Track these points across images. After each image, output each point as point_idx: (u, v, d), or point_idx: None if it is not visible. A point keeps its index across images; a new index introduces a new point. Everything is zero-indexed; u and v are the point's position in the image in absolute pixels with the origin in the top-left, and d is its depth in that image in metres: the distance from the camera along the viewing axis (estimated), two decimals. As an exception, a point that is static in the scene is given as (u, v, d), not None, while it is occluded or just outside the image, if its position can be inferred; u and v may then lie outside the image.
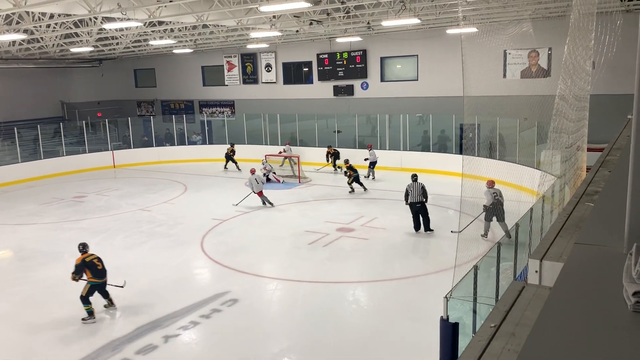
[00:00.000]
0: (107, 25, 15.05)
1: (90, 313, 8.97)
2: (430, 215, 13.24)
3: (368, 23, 17.90)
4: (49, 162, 23.27)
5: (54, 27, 16.68)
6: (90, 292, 9.05)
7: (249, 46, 24.71)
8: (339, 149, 21.93)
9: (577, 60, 6.40)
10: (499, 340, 1.52)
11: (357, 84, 24.14)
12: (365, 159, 20.15)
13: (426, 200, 13.10)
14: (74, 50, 21.69)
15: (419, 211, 13.08)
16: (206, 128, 28.01)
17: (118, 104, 31.20)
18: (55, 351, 8.08)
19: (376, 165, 20.23)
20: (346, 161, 18.54)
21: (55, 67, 28.18)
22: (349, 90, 24.32)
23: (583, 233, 1.92)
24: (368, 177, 19.87)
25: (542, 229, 7.99)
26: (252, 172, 16.84)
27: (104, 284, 9.28)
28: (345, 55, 24.07)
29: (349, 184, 18.09)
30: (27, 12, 13.85)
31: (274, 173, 20.56)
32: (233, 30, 18.85)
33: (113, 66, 30.36)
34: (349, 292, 10.08)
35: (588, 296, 1.26)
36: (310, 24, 17.10)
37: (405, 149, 21.78)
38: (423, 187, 13.09)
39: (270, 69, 26.53)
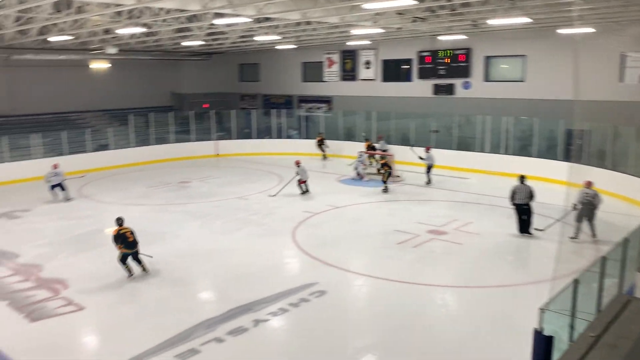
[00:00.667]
0: (217, 21, 15.81)
1: (128, 271, 10.60)
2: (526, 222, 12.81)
3: (474, 21, 17.34)
4: (158, 148, 24.95)
5: (170, 22, 17.79)
6: (123, 258, 10.57)
7: (349, 43, 24.86)
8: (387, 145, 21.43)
9: None
10: (599, 350, 1.45)
11: (458, 83, 23.49)
12: (421, 158, 19.36)
13: (530, 202, 12.89)
14: (185, 43, 23.00)
15: (524, 213, 12.87)
16: (303, 123, 28.60)
17: (223, 96, 32.69)
18: (153, 325, 8.67)
19: (432, 167, 19.29)
20: (382, 157, 18.71)
21: (167, 59, 30.07)
22: (450, 89, 23.74)
23: None
24: (429, 182, 19.12)
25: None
26: (297, 163, 17.80)
27: (136, 253, 10.67)
28: (448, 53, 23.50)
29: (384, 181, 18.08)
30: (147, 8, 14.89)
31: (364, 168, 20.61)
32: (335, 27, 19.04)
33: (220, 60, 31.83)
34: (438, 296, 9.89)
35: None
36: (414, 21, 16.86)
37: (506, 152, 20.89)
38: (531, 189, 12.87)
39: (369, 65, 26.53)
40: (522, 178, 13.19)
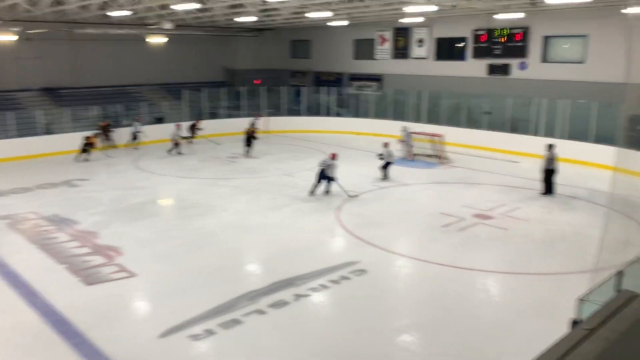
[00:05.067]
0: (270, -2, 15.90)
1: None
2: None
3: (533, -1, 16.71)
4: (210, 122, 25.49)
5: (224, -2, 18.03)
6: None
7: (402, 20, 24.44)
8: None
9: None
10: (592, 343, 1.49)
11: (514, 63, 22.77)
12: (380, 156, 17.05)
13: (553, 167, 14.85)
14: (238, 19, 23.25)
15: (549, 177, 14.97)
16: (354, 101, 28.49)
17: (274, 72, 32.93)
18: (200, 294, 9.06)
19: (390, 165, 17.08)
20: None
21: (221, 35, 30.51)
22: (505, 70, 23.05)
23: None
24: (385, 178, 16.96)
25: None
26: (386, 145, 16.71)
27: None
28: (505, 32, 22.75)
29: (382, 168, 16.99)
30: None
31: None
32: (388, 4, 18.78)
33: (272, 36, 32.01)
34: (479, 281, 9.84)
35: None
36: (469, -1, 16.42)
37: (561, 137, 20.19)
38: (553, 157, 14.91)
39: (422, 44, 26.05)
40: (550, 146, 15.23)
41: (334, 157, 15.15)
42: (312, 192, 15.01)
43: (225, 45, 31.91)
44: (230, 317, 8.18)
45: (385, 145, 17.05)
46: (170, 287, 9.39)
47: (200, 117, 24.83)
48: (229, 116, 26.79)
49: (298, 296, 8.89)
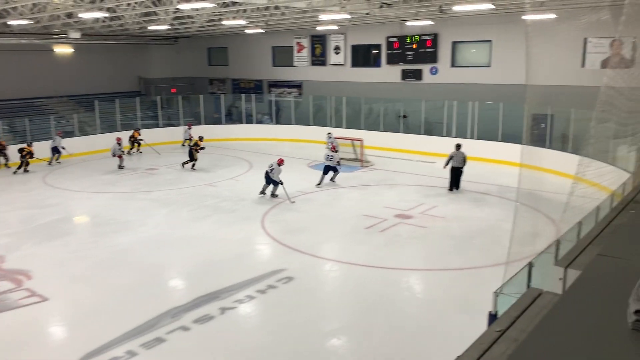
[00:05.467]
0: (183, 6, 15.57)
1: None
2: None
3: (440, 7, 17.47)
4: (126, 134, 24.49)
5: (134, 6, 17.42)
6: None
7: (319, 28, 24.77)
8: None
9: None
10: (501, 345, 1.55)
11: (426, 68, 23.68)
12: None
13: (464, 166, 15.95)
14: (151, 27, 22.57)
15: (458, 174, 15.93)
16: (274, 108, 28.48)
17: (191, 81, 32.25)
18: (119, 314, 8.65)
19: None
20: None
21: (134, 43, 29.46)
22: (418, 75, 23.91)
23: (610, 243, 1.89)
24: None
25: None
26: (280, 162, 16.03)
27: None
28: (416, 39, 23.62)
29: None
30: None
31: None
32: (303, 12, 18.95)
33: (188, 44, 31.35)
34: (403, 280, 10.10)
35: (593, 309, 1.28)
36: (381, 6, 16.90)
37: (472, 137, 21.23)
38: (464, 156, 15.92)
39: (338, 51, 26.50)
40: (458, 146, 16.04)
41: (280, 162, 15.58)
42: (262, 192, 15.74)
43: (139, 54, 30.84)
44: (153, 336, 7.85)
45: (334, 150, 17.46)
46: (87, 309, 8.88)
47: (136, 127, 23.98)
48: (145, 127, 25.84)
49: (224, 309, 8.70)
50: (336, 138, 21.01)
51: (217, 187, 17.18)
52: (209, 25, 23.52)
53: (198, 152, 19.86)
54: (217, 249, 11.62)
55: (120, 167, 20.28)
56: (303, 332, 8.11)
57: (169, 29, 24.11)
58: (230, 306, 8.80)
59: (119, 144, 20.77)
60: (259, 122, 27.87)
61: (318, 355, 7.50)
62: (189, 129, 23.69)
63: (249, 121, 27.65)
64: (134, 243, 12.04)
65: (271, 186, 15.62)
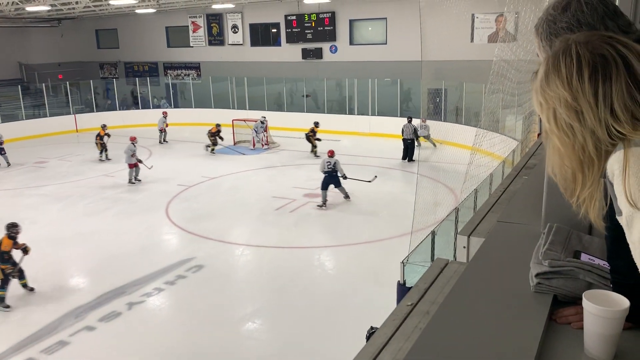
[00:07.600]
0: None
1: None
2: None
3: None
4: (7, 126, 22.43)
5: (7, -16, 15.90)
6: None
7: (214, 6, 24.01)
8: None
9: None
10: (413, 319, 1.56)
11: (326, 47, 23.82)
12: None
13: (417, 139, 17.07)
14: (30, 9, 20.73)
15: (409, 146, 16.96)
16: (171, 91, 27.39)
17: (80, 65, 30.10)
18: (15, 321, 7.99)
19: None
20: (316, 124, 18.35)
21: (11, 26, 26.91)
22: (318, 54, 24.00)
23: (507, 210, 1.96)
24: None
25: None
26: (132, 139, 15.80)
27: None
28: (313, 17, 23.62)
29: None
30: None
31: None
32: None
33: (73, 26, 29.17)
34: (315, 257, 10.21)
35: (498, 275, 1.30)
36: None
37: (373, 113, 21.76)
38: (415, 128, 17.09)
39: (236, 30, 25.91)
40: (409, 118, 17.40)
41: (331, 154, 13.11)
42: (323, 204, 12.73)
43: (18, 38, 28.16)
44: (55, 339, 7.34)
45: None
46: (-25, 320, 8.11)
47: (102, 125, 21.32)
48: (29, 117, 23.90)
49: (131, 304, 8.30)
50: (237, 120, 20.58)
51: (115, 177, 16.29)
52: (95, 6, 22.02)
53: (316, 140, 18.20)
54: (120, 243, 11.03)
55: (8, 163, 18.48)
56: (217, 319, 7.95)
57: (49, 10, 22.29)
58: (138, 300, 8.43)
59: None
60: (156, 106, 26.68)
61: (234, 341, 7.39)
62: (165, 117, 21.77)
63: (146, 106, 26.38)
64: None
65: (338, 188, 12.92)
